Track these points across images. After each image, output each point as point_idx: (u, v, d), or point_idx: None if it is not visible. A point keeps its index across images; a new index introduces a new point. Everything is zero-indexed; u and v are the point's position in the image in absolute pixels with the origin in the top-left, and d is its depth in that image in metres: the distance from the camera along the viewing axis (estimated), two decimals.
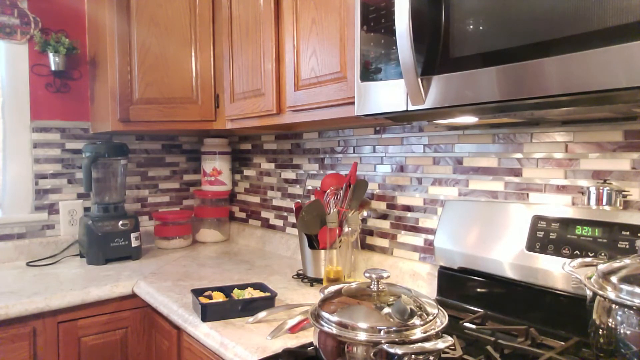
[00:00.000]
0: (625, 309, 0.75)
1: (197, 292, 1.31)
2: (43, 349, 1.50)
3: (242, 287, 1.35)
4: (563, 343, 1.01)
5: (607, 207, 1.07)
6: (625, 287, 0.76)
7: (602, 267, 0.84)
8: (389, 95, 1.04)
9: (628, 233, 1.00)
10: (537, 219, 1.16)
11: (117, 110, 1.84)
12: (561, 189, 1.21)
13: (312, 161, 1.99)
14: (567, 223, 1.10)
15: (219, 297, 1.29)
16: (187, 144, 2.52)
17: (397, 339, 0.76)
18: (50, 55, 2.02)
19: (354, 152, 1.78)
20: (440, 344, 0.76)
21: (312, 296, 1.44)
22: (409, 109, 1.00)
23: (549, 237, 1.12)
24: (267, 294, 1.31)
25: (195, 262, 1.94)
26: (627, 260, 0.83)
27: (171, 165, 2.46)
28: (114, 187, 2.06)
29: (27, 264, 1.93)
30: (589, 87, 0.73)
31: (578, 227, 1.08)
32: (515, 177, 1.30)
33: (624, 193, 1.07)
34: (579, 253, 1.06)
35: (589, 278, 0.84)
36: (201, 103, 1.88)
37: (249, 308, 1.24)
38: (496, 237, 1.22)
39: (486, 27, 0.86)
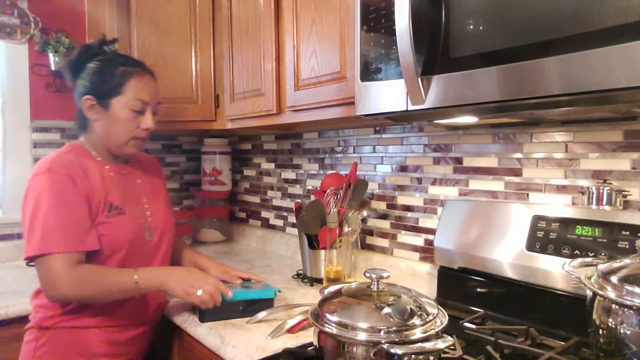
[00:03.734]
0: (625, 309, 0.75)
1: None
2: None
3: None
4: (563, 343, 1.01)
5: (607, 207, 1.07)
6: (625, 287, 0.76)
7: (602, 267, 0.84)
8: (389, 95, 1.04)
9: (628, 233, 1.00)
10: (537, 219, 1.16)
11: None
12: (561, 189, 1.21)
13: (312, 161, 1.99)
14: (567, 223, 1.10)
15: None
16: (187, 144, 2.52)
17: (397, 339, 0.76)
18: (50, 55, 2.02)
19: (354, 152, 1.78)
20: (440, 344, 0.76)
21: (312, 296, 1.44)
22: (409, 109, 1.00)
23: (549, 237, 1.12)
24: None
25: None
26: (627, 260, 0.83)
27: (171, 165, 2.46)
28: None
29: (27, 264, 1.92)
30: (589, 87, 0.73)
31: (578, 227, 1.08)
32: (515, 177, 1.30)
33: (624, 193, 1.07)
34: (579, 253, 1.06)
35: (589, 278, 0.84)
36: (201, 103, 1.87)
37: (249, 309, 1.23)
38: (496, 237, 1.22)
39: (486, 27, 0.86)
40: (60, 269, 1.11)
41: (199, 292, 1.15)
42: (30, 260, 1.15)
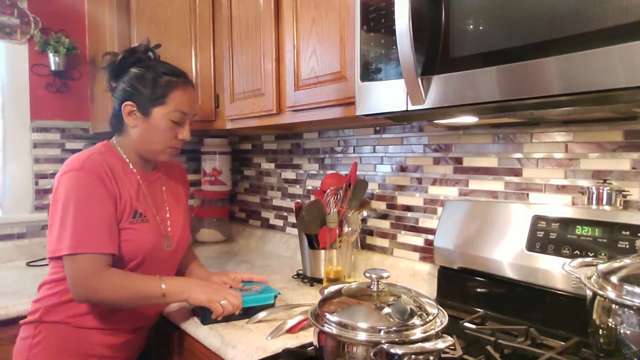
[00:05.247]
0: (626, 309, 0.75)
1: None
2: None
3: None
4: (563, 343, 1.01)
5: (607, 207, 1.07)
6: (625, 286, 0.76)
7: (602, 267, 0.84)
8: (389, 95, 1.04)
9: (628, 233, 1.00)
10: (537, 219, 1.16)
11: None
12: (561, 189, 1.21)
13: (312, 161, 1.99)
14: (567, 223, 1.10)
15: None
16: (187, 143, 2.51)
17: (397, 339, 0.76)
18: (50, 55, 2.02)
19: (354, 152, 1.78)
20: (440, 344, 0.76)
21: (312, 296, 1.44)
22: (409, 109, 1.00)
23: (549, 237, 1.12)
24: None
25: None
26: (627, 260, 0.83)
27: None
28: None
29: (27, 264, 1.93)
30: (589, 87, 0.73)
31: (578, 227, 1.08)
32: (515, 177, 1.30)
33: (624, 193, 1.07)
34: (579, 253, 1.06)
35: (589, 278, 0.84)
36: (201, 103, 1.87)
37: (250, 312, 1.23)
38: (496, 237, 1.22)
39: (486, 27, 0.86)
40: (89, 269, 1.12)
41: (223, 302, 1.17)
42: (58, 259, 1.15)
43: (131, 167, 1.28)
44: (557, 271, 1.08)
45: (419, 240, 1.55)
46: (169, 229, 1.32)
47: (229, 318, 1.21)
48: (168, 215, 1.33)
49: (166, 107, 1.23)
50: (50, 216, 1.18)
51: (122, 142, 1.29)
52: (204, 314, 1.21)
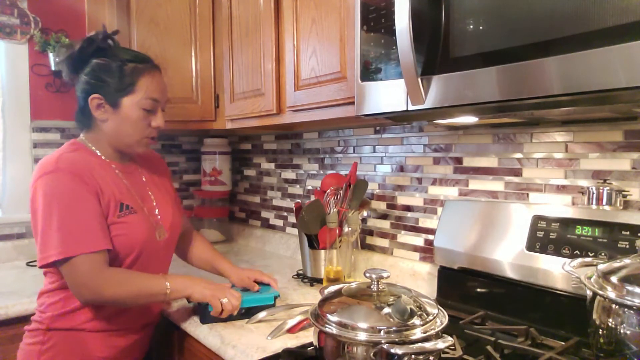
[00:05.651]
0: (626, 309, 0.75)
1: None
2: None
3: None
4: (563, 343, 1.01)
5: (607, 207, 1.07)
6: (625, 287, 0.76)
7: (602, 267, 0.84)
8: (389, 95, 1.04)
9: (628, 233, 1.00)
10: (537, 218, 1.16)
11: None
12: (561, 189, 1.21)
13: (312, 161, 1.99)
14: (567, 223, 1.10)
15: None
16: (187, 143, 2.52)
17: (397, 339, 0.76)
18: (50, 55, 2.02)
19: (354, 152, 1.78)
20: (440, 344, 0.76)
21: (312, 296, 1.44)
22: (409, 109, 1.00)
23: (549, 237, 1.12)
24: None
25: None
26: (627, 260, 0.83)
27: (171, 165, 2.46)
28: None
29: (27, 264, 1.93)
30: (589, 87, 0.73)
31: (578, 227, 1.08)
32: (515, 177, 1.30)
33: (624, 193, 1.07)
34: (579, 253, 1.06)
35: (589, 278, 0.84)
36: (201, 103, 1.87)
37: (250, 312, 1.23)
38: (496, 237, 1.22)
39: (486, 27, 0.86)
40: (89, 269, 1.08)
41: (224, 300, 1.17)
42: (49, 266, 1.11)
43: (108, 161, 1.23)
44: (557, 271, 1.08)
45: (419, 240, 1.55)
46: (159, 217, 1.28)
47: (229, 318, 1.21)
48: (155, 204, 1.30)
49: (136, 96, 1.18)
50: (33, 226, 1.13)
51: (92, 138, 1.23)
52: (203, 313, 1.21)
